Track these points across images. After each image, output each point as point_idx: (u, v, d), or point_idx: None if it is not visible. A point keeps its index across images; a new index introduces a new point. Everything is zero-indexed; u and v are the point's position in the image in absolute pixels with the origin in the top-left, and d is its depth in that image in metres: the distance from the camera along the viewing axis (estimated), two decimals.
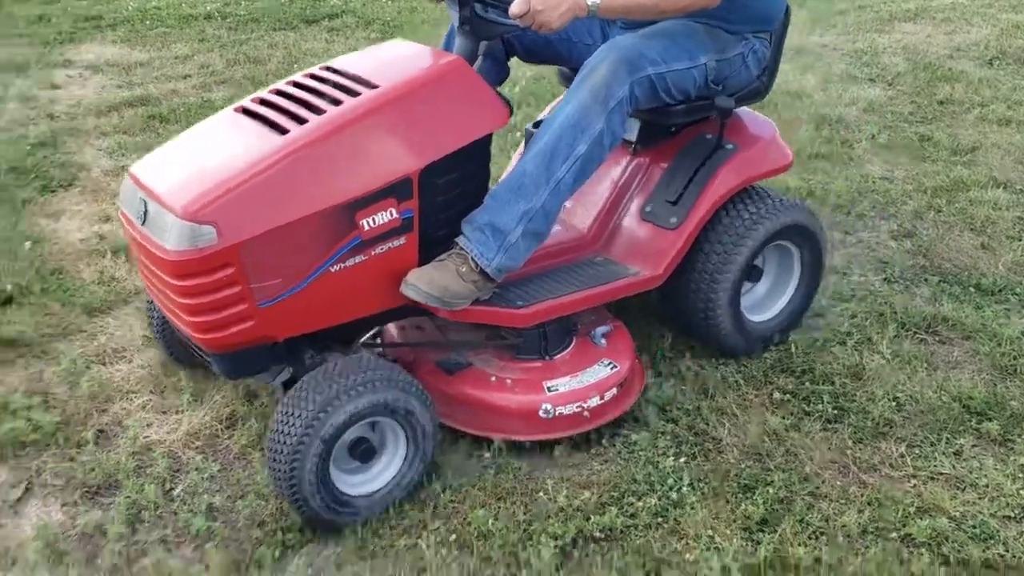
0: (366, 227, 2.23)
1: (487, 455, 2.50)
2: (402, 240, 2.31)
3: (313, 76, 2.45)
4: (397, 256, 2.32)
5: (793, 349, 2.93)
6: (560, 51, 2.81)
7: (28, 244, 3.58)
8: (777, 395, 2.75)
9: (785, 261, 2.97)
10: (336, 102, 2.28)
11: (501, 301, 2.46)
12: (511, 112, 2.43)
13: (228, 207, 2.07)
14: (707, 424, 2.63)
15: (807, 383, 2.80)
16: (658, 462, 2.48)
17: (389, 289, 2.33)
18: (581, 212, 2.84)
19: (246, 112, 2.38)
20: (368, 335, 2.56)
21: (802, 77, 5.30)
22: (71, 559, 2.18)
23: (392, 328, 2.75)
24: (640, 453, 2.51)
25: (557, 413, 2.49)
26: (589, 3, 2.30)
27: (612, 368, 2.59)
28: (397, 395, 2.24)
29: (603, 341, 2.67)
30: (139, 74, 5.66)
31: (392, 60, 2.50)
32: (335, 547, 2.24)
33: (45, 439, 2.56)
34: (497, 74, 2.83)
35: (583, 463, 2.50)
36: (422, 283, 2.32)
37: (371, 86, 2.31)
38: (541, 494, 2.38)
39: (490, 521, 2.26)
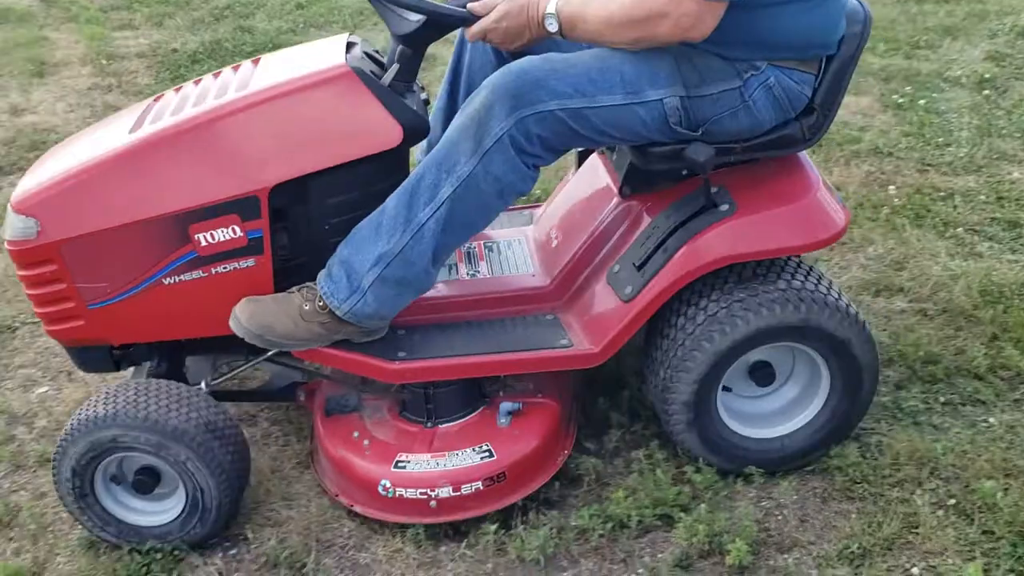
0: (202, 242, 2.02)
1: (992, 420, 2.32)
2: (250, 262, 2.06)
3: (231, 69, 2.26)
4: (245, 278, 2.07)
5: None
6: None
7: None
8: None
9: (816, 371, 2.23)
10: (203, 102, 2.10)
11: (381, 348, 2.14)
12: (414, 133, 2.05)
13: (52, 203, 2.02)
14: None
15: None
16: None
17: None
18: (558, 258, 2.34)
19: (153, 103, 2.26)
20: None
21: None
22: None
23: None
24: None
25: (397, 494, 2.12)
26: (549, 28, 1.96)
27: (484, 457, 2.14)
28: (157, 438, 2.00)
29: (505, 420, 2.19)
30: None
31: (295, 61, 2.20)
32: (821, 481, 2.24)
33: None
34: None
35: None
36: (244, 315, 2.03)
37: (244, 88, 2.08)
38: None
39: (998, 495, 2.10)
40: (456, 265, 2.43)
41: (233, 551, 2.17)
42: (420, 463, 2.13)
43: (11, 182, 3.98)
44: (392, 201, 2.03)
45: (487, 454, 2.14)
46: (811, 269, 2.18)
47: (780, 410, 2.28)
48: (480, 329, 2.23)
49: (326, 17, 5.99)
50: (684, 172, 2.14)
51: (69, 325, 2.12)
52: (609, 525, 2.12)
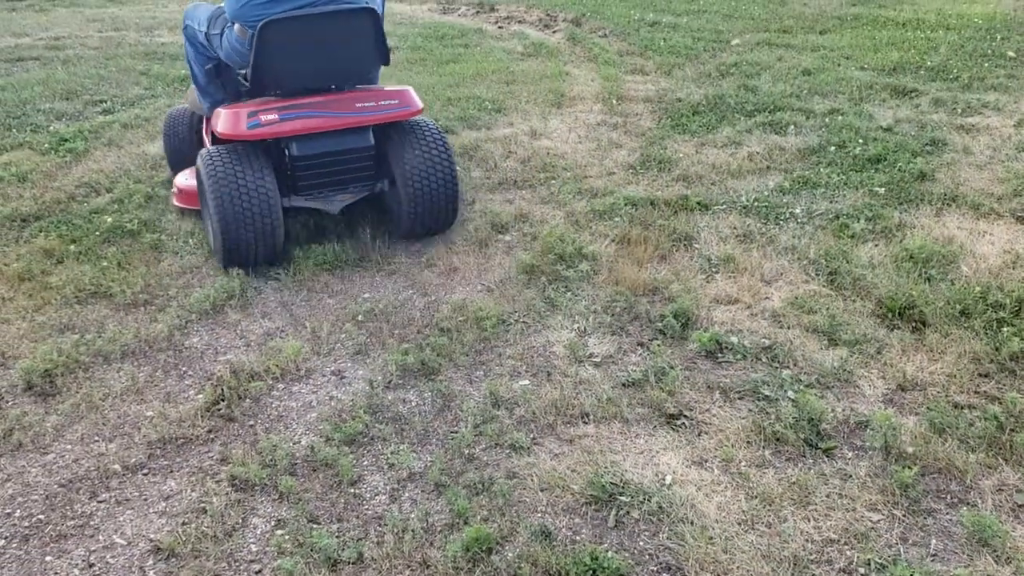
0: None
1: None
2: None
3: None
4: None
5: None
6: None
7: None
8: None
9: None
10: None
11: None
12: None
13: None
14: None
15: None
16: None
17: None
18: None
19: None
20: None
21: None
22: None
23: None
24: None
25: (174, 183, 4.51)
26: None
27: (185, 179, 4.35)
28: None
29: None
30: None
31: None
32: None
33: None
34: None
35: None
36: (190, 92, 4.53)
37: None
38: None
39: None
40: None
41: None
42: (183, 175, 4.41)
43: (521, 196, 4.47)
44: None
45: (186, 179, 4.32)
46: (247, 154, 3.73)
47: None
48: None
49: (832, 87, 5.94)
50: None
51: None
52: None
